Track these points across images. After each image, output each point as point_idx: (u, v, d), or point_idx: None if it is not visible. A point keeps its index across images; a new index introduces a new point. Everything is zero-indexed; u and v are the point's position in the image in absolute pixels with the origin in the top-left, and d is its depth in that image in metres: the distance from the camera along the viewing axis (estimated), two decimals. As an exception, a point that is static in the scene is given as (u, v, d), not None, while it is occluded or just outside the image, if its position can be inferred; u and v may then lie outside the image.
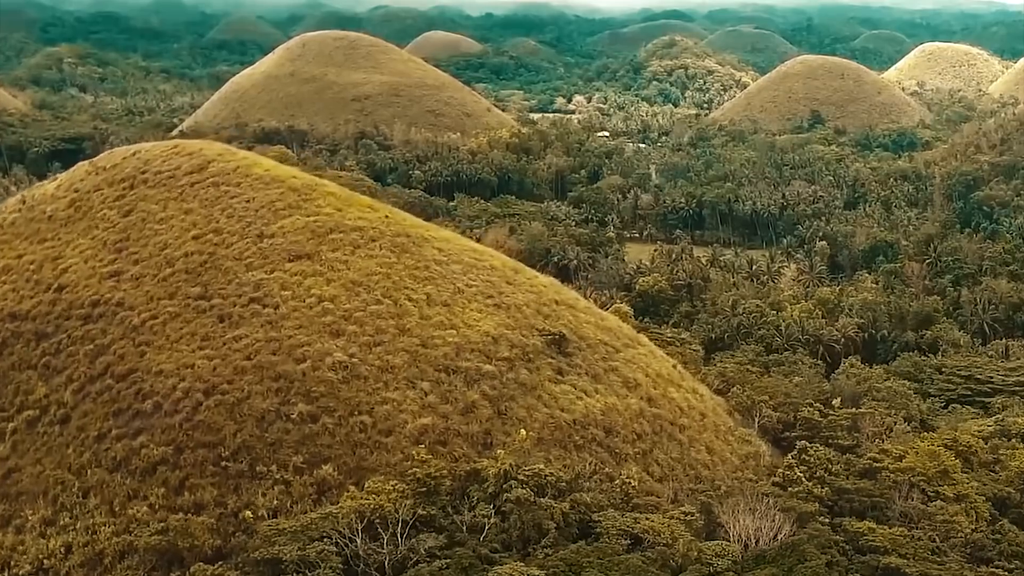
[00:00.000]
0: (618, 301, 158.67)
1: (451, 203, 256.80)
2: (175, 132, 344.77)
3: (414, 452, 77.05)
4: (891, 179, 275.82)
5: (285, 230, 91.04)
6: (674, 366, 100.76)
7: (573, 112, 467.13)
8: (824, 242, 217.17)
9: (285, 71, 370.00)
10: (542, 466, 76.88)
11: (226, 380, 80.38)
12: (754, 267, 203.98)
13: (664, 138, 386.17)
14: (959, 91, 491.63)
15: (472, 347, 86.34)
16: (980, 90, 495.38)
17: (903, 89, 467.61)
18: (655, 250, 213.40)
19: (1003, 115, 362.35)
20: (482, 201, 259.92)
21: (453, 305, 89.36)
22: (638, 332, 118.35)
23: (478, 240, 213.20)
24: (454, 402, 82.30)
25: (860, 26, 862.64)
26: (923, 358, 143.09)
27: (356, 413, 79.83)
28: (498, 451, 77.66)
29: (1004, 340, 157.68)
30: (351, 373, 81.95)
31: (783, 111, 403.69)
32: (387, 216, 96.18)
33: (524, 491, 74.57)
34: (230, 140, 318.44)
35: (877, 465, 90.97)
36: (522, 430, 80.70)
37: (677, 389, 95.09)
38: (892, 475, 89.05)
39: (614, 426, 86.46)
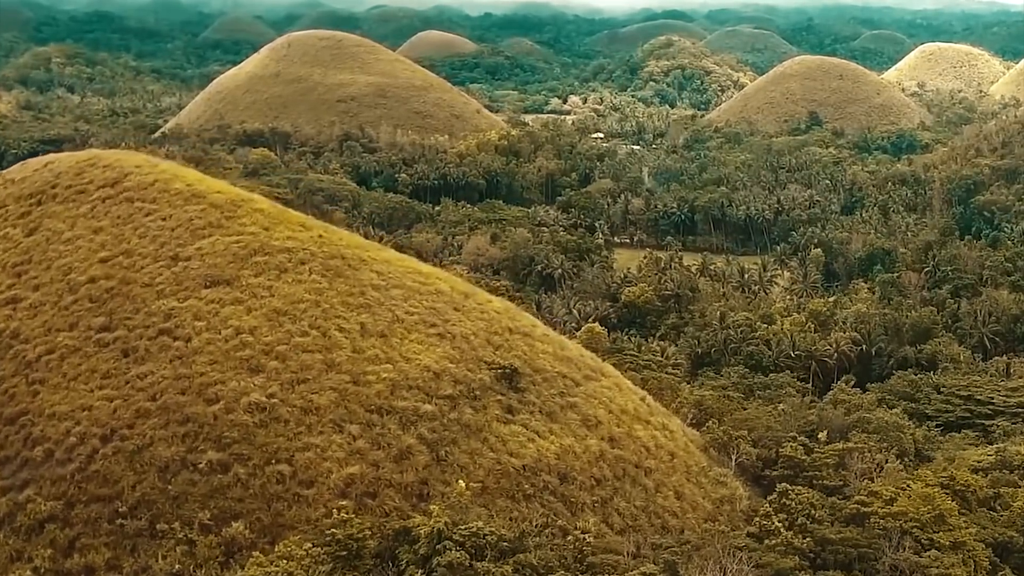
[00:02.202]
0: (593, 319, 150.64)
1: (436, 208, 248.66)
2: (158, 134, 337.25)
3: (335, 509, 67.94)
4: (889, 183, 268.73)
5: (203, 252, 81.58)
6: (642, 399, 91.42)
7: (568, 113, 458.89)
8: (819, 249, 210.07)
9: (270, 71, 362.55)
10: (481, 524, 67.72)
11: (127, 424, 71.21)
12: (746, 276, 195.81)
13: (659, 140, 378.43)
14: (960, 92, 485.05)
15: (410, 384, 76.98)
16: (981, 91, 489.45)
17: (903, 90, 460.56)
18: (644, 257, 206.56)
19: (1004, 117, 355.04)
20: (468, 205, 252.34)
21: (390, 336, 79.99)
22: (608, 355, 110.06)
23: (459, 248, 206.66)
24: (387, 448, 72.99)
25: (861, 26, 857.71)
26: (920, 376, 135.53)
27: (273, 462, 70.53)
28: (432, 506, 68.46)
29: (1005, 356, 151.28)
30: (269, 415, 72.55)
31: (780, 112, 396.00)
32: (320, 235, 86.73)
33: (459, 554, 65.54)
34: (212, 142, 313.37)
35: (865, 510, 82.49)
36: (460, 481, 71.53)
37: (644, 426, 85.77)
38: (882, 521, 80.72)
39: (570, 472, 77.18)
